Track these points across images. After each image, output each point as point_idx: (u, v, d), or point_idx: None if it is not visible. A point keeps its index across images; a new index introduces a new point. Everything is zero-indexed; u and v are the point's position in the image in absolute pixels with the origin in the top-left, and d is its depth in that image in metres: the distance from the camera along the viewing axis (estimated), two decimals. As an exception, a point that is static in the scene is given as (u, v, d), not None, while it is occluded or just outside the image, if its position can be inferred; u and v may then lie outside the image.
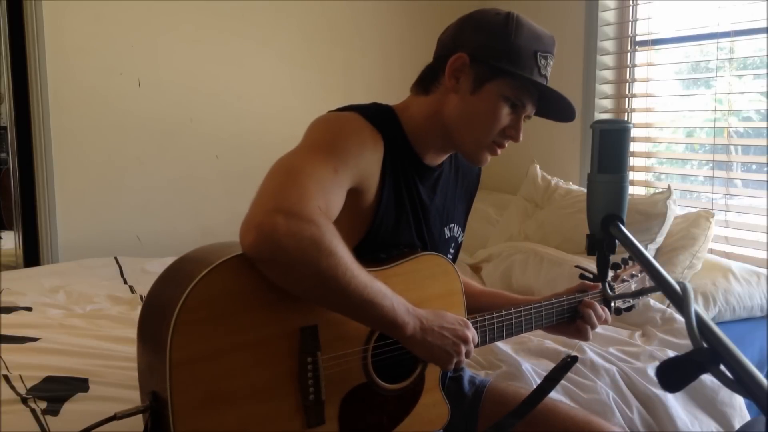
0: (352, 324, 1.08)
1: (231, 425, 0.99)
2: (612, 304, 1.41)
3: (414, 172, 1.23)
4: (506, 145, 1.22)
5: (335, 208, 1.07)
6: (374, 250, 1.18)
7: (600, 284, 1.37)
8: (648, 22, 2.76)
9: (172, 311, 0.93)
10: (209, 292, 0.96)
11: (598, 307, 1.34)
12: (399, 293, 1.08)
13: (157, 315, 0.99)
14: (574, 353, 1.33)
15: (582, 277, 1.38)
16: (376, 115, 1.18)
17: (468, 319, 1.20)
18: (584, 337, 1.35)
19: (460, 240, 1.39)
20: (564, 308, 1.33)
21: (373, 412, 1.14)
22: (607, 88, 2.90)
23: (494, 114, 1.17)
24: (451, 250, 1.35)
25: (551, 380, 1.30)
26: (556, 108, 1.21)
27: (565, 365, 1.30)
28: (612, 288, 1.42)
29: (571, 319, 1.35)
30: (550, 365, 1.72)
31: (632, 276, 1.45)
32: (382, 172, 1.17)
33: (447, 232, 1.33)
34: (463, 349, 1.09)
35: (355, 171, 1.11)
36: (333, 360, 1.08)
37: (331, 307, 1.05)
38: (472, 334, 1.11)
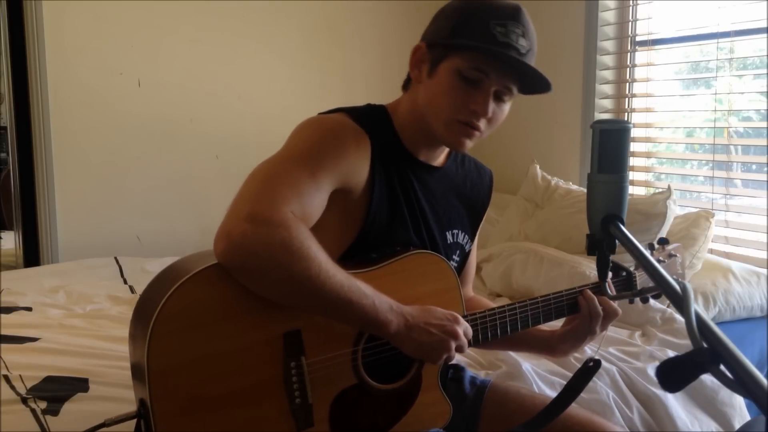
0: (339, 326, 1.08)
1: (217, 431, 0.99)
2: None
3: (409, 170, 1.23)
4: (479, 124, 1.16)
5: (313, 212, 1.07)
6: (367, 250, 1.18)
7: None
8: (648, 22, 2.76)
9: (149, 323, 0.95)
10: (187, 301, 0.97)
11: (595, 299, 1.27)
12: (390, 292, 1.08)
13: (140, 325, 1.00)
14: (596, 357, 1.28)
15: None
16: (365, 115, 1.19)
17: (467, 316, 1.19)
18: (589, 331, 1.27)
19: (467, 248, 1.36)
20: (563, 303, 1.28)
21: (366, 412, 1.14)
22: (607, 88, 2.90)
23: (448, 90, 1.15)
24: (456, 257, 1.33)
25: (573, 390, 1.26)
26: (531, 79, 1.16)
27: (586, 371, 1.26)
28: (633, 286, 1.36)
29: (572, 311, 1.29)
30: (550, 365, 1.72)
31: (658, 261, 1.40)
32: (371, 171, 1.16)
33: (450, 237, 1.31)
34: (453, 345, 1.08)
35: (335, 173, 1.10)
36: (319, 363, 1.08)
37: (310, 310, 1.05)
38: (463, 328, 1.10)
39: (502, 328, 1.22)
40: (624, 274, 1.35)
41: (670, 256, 1.43)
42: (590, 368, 1.27)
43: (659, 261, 1.41)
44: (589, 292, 1.28)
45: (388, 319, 1.04)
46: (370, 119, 1.19)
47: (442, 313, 1.10)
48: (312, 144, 1.11)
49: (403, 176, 1.21)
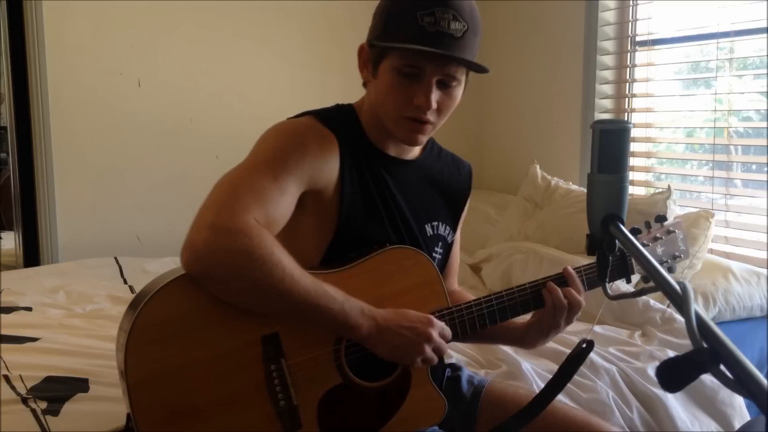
0: None
1: None
2: (631, 279, 1.33)
3: (380, 165, 1.23)
4: (427, 117, 1.16)
5: (278, 217, 1.08)
6: (347, 249, 1.18)
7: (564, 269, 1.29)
8: (648, 22, 2.75)
9: (124, 337, 0.97)
10: (161, 313, 0.98)
11: (558, 290, 1.23)
12: (368, 290, 1.09)
13: (121, 339, 1.01)
14: (589, 338, 1.25)
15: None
16: (332, 116, 1.20)
17: (446, 309, 1.18)
18: (554, 324, 1.23)
19: (449, 240, 1.35)
20: (528, 296, 1.23)
21: (356, 411, 1.13)
22: (607, 88, 2.90)
23: (389, 89, 1.16)
24: (439, 249, 1.33)
25: (566, 373, 1.25)
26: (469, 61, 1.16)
27: (580, 353, 1.24)
28: (629, 267, 1.32)
29: (537, 304, 1.25)
30: (550, 365, 1.72)
31: (655, 239, 1.36)
32: (341, 170, 1.17)
33: (429, 229, 1.31)
34: (427, 348, 1.08)
35: (299, 175, 1.11)
36: (300, 365, 1.08)
37: (279, 316, 1.05)
38: (437, 330, 1.10)
39: (478, 322, 1.19)
40: (618, 253, 1.27)
41: (669, 232, 1.38)
42: (583, 350, 1.25)
43: (657, 239, 1.38)
44: (552, 284, 1.25)
45: (358, 323, 1.05)
46: (337, 119, 1.20)
47: (415, 315, 1.10)
48: (273, 149, 1.12)
49: (375, 172, 1.22)
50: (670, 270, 1.39)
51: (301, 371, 1.08)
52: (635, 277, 1.40)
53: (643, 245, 1.34)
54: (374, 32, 1.19)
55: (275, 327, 1.06)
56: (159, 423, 0.97)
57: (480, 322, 1.20)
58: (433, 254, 1.30)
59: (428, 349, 1.09)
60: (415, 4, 1.12)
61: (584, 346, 1.25)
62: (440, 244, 1.33)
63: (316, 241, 1.17)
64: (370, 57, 1.19)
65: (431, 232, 1.31)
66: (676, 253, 1.40)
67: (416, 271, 1.20)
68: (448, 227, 1.35)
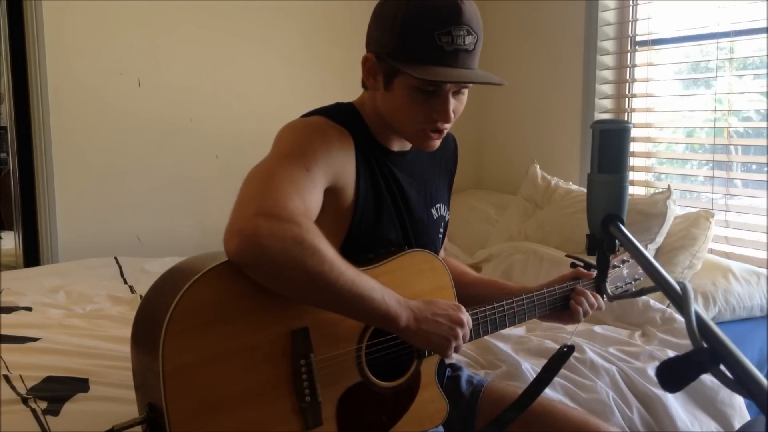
0: (344, 324, 1.09)
1: (229, 431, 0.99)
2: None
3: (387, 161, 1.25)
4: (444, 126, 1.19)
5: (314, 207, 1.09)
6: (361, 248, 1.19)
7: (592, 271, 1.38)
8: (648, 22, 2.76)
9: (162, 322, 0.94)
10: (197, 301, 0.97)
11: (590, 294, 1.35)
12: None
13: (148, 327, 0.99)
14: (570, 343, 1.34)
15: (573, 266, 1.39)
16: (340, 114, 1.21)
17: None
18: (576, 321, 1.36)
19: (447, 218, 1.40)
20: (556, 297, 1.34)
21: (370, 410, 1.14)
22: (607, 88, 2.90)
23: (408, 106, 1.16)
24: (441, 230, 1.37)
25: (549, 371, 1.30)
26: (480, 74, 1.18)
27: (562, 355, 1.31)
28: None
29: (563, 306, 1.35)
30: (550, 365, 1.72)
31: (623, 261, 1.44)
32: (357, 166, 1.18)
33: (435, 212, 1.35)
34: (460, 333, 1.10)
35: (327, 169, 1.12)
36: (326, 361, 1.08)
37: (322, 305, 1.05)
38: (466, 317, 1.12)
39: (492, 324, 1.24)
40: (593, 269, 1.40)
41: (624, 261, 1.45)
42: (565, 353, 1.31)
43: (624, 261, 1.45)
44: (583, 289, 1.34)
45: (397, 313, 1.04)
46: (345, 118, 1.21)
47: (445, 303, 1.12)
48: (299, 143, 1.12)
49: (384, 170, 1.24)
50: (628, 290, 1.47)
51: (326, 368, 1.08)
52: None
53: (613, 267, 1.41)
54: (385, 47, 1.16)
55: (305, 322, 1.05)
56: (190, 412, 0.96)
57: (491, 326, 1.24)
58: (439, 235, 1.35)
59: (461, 335, 1.10)
60: (431, 23, 1.11)
61: (565, 350, 1.31)
62: (442, 224, 1.38)
63: (330, 240, 1.17)
64: (381, 69, 1.18)
65: (436, 215, 1.35)
66: (637, 276, 1.47)
67: (432, 276, 1.22)
68: (445, 206, 1.39)
